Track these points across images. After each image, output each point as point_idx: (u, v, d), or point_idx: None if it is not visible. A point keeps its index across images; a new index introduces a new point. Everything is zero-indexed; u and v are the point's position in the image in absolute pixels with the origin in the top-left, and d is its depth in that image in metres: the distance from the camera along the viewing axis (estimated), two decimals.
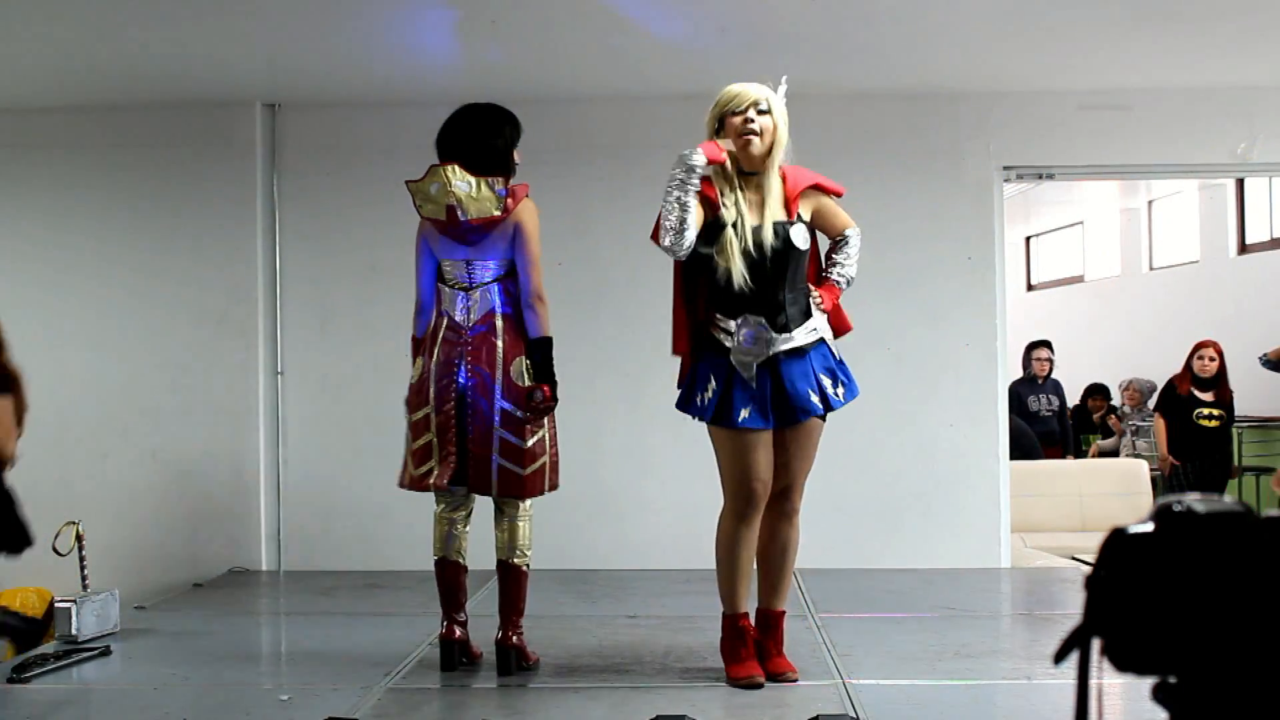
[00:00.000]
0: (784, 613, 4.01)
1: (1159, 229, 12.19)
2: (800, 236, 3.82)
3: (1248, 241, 10.73)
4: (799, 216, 3.86)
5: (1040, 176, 6.74)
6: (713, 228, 3.78)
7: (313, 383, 6.57)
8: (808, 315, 3.85)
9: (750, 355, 3.80)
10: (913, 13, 5.28)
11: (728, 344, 3.83)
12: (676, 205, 3.70)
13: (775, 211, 3.82)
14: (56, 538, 4.83)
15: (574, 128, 6.44)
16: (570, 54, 5.81)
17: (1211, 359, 8.27)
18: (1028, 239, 14.37)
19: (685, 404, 3.97)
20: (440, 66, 5.95)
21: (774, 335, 3.78)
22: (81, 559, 4.90)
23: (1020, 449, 8.04)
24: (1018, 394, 8.99)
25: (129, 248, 6.58)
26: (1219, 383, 8.29)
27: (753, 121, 3.76)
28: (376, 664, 4.19)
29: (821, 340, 3.87)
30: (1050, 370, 9.50)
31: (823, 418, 3.91)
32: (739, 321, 3.80)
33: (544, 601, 5.26)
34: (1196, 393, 8.28)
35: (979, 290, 6.42)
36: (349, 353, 6.55)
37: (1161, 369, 9.08)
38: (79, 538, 4.87)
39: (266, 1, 5.09)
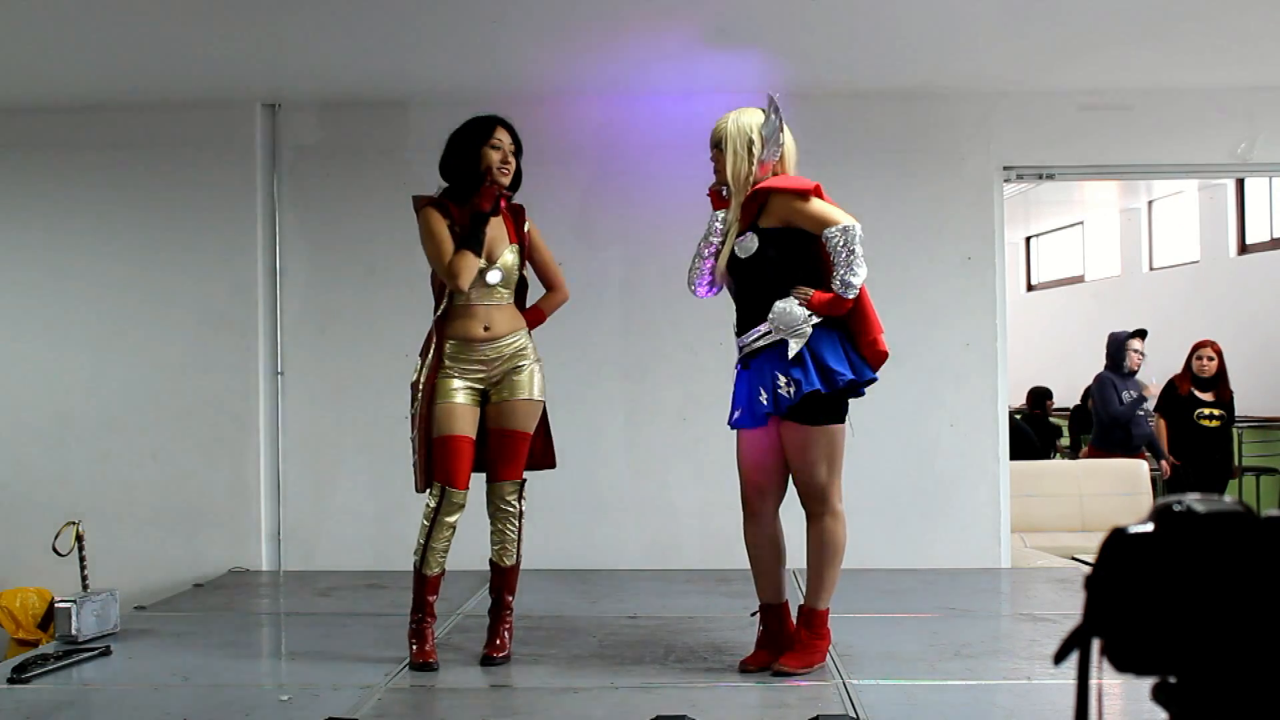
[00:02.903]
0: (814, 610, 4.02)
1: (1159, 229, 12.20)
2: (743, 247, 3.97)
3: (1248, 241, 10.73)
4: (753, 226, 3.98)
5: (1040, 176, 6.73)
6: None
7: (313, 383, 6.57)
8: (759, 321, 3.95)
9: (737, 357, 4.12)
10: (913, 13, 5.27)
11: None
12: (697, 258, 4.10)
13: (740, 227, 4.03)
14: (56, 538, 4.84)
15: (575, 128, 6.44)
16: (570, 54, 5.81)
17: (1210, 359, 8.26)
18: (1028, 239, 14.38)
19: None
20: (441, 66, 5.95)
21: (737, 338, 4.07)
22: (81, 559, 4.91)
23: (1020, 449, 8.04)
24: (1111, 384, 8.47)
25: (129, 248, 6.58)
26: (1219, 382, 8.28)
27: (713, 161, 4.08)
28: (376, 664, 4.19)
29: (781, 343, 3.90)
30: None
31: (803, 421, 3.90)
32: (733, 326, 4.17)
33: (544, 601, 5.27)
34: (1196, 393, 8.28)
35: (979, 290, 6.42)
36: (349, 353, 6.55)
37: (1161, 369, 9.08)
38: (79, 538, 4.88)
39: (266, 1, 5.08)
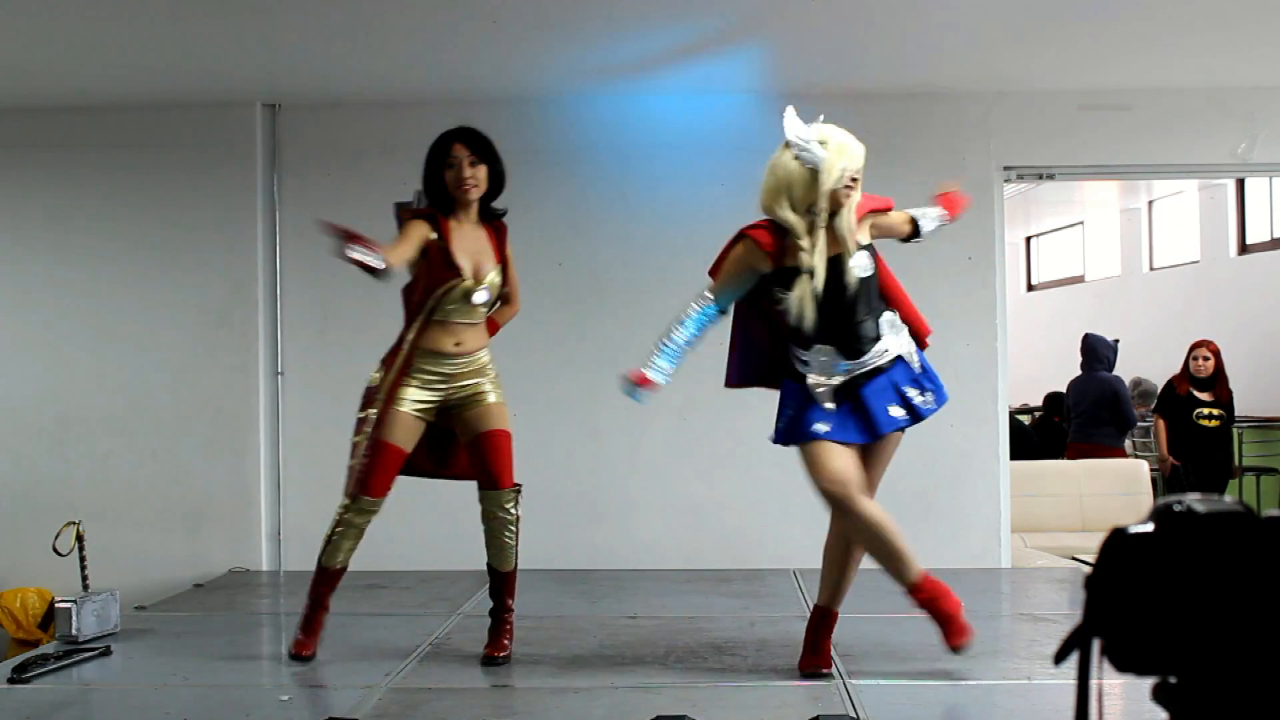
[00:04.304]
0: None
1: (1159, 229, 12.20)
2: (860, 266, 3.87)
3: (1248, 241, 10.74)
4: (859, 244, 3.91)
5: (1040, 176, 6.73)
6: (786, 272, 3.84)
7: (313, 383, 6.57)
8: (878, 339, 3.92)
9: (823, 384, 3.89)
10: (913, 13, 5.28)
11: (803, 372, 3.92)
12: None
13: (845, 247, 3.85)
14: (57, 538, 4.84)
15: (575, 128, 6.44)
16: (570, 54, 5.81)
17: (1206, 358, 8.25)
18: (1028, 239, 14.37)
19: (775, 434, 4.01)
20: (440, 66, 5.95)
21: (846, 362, 3.88)
22: (81, 559, 4.91)
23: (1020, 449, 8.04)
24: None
25: (129, 248, 6.58)
26: (1217, 382, 8.27)
27: (851, 190, 3.84)
28: (376, 664, 4.19)
29: (899, 358, 3.97)
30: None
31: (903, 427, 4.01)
32: (812, 352, 3.89)
33: (544, 601, 5.26)
34: (1195, 393, 8.27)
35: (979, 290, 6.42)
36: (349, 353, 6.54)
37: (1161, 369, 9.08)
38: (79, 538, 4.88)
39: (266, 1, 5.09)
